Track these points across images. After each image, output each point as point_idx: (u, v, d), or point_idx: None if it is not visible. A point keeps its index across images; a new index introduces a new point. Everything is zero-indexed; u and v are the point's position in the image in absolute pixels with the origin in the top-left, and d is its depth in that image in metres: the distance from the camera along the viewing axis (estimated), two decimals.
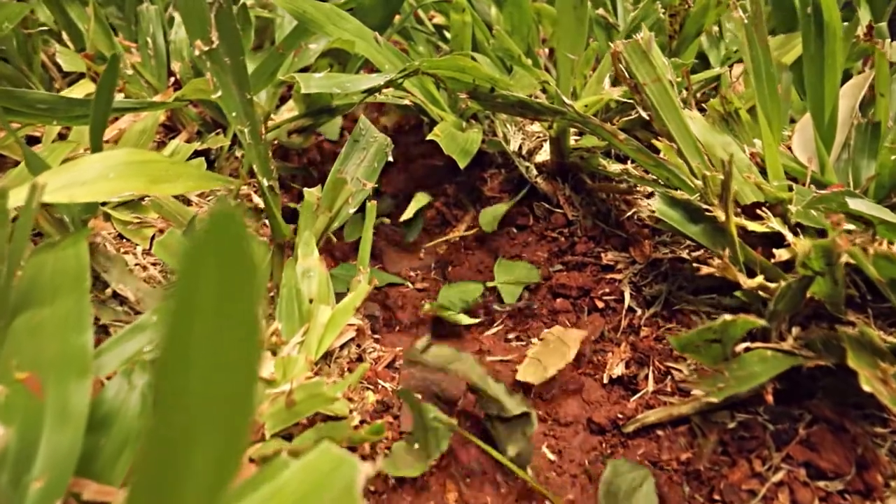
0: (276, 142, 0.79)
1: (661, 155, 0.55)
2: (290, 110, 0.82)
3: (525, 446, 0.45)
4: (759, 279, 0.47)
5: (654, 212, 0.55)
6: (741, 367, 0.44)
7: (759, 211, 0.54)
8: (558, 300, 0.66)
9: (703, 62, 0.84)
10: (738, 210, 0.56)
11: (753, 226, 0.52)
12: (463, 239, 0.75)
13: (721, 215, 0.51)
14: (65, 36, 0.87)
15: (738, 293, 0.54)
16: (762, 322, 0.45)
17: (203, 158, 0.69)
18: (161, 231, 0.58)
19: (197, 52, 0.43)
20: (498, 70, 0.77)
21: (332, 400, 0.41)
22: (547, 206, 0.72)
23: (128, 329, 0.38)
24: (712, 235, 0.53)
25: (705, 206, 0.52)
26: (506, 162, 0.81)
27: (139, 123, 0.71)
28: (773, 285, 0.48)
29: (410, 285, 0.71)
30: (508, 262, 0.69)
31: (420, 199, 0.70)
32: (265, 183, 0.52)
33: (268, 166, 0.52)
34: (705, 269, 0.47)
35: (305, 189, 0.55)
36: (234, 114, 0.47)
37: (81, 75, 0.81)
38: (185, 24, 0.43)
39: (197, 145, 0.72)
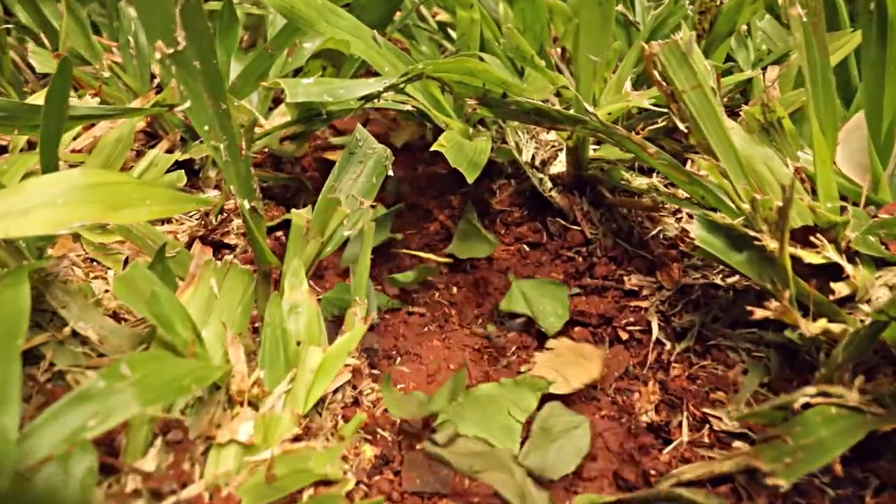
0: (266, 150, 0.71)
1: (700, 171, 0.47)
2: (282, 115, 0.74)
3: None
4: (823, 323, 0.39)
5: (687, 234, 0.47)
6: (805, 432, 0.36)
7: (812, 238, 0.46)
8: (576, 328, 0.58)
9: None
10: (771, 225, 0.48)
11: (807, 255, 0.44)
12: (470, 257, 0.67)
13: (772, 245, 0.43)
14: (43, 35, 0.79)
15: (788, 332, 0.46)
16: (839, 397, 0.37)
17: (183, 171, 0.61)
18: (138, 252, 0.50)
19: (158, 56, 0.35)
20: (509, 72, 0.69)
21: (319, 476, 0.33)
22: (562, 222, 0.64)
23: (68, 399, 0.30)
24: (759, 266, 0.45)
25: (752, 233, 0.44)
26: (516, 171, 0.73)
27: (115, 131, 0.63)
28: (836, 328, 0.40)
29: (413, 308, 0.63)
30: (530, 283, 0.60)
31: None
32: (246, 205, 0.44)
33: (249, 185, 0.44)
34: (760, 313, 0.39)
35: (293, 211, 0.48)
36: (206, 127, 0.39)
37: None
38: (143, 21, 0.35)
39: (178, 155, 0.64)
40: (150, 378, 0.31)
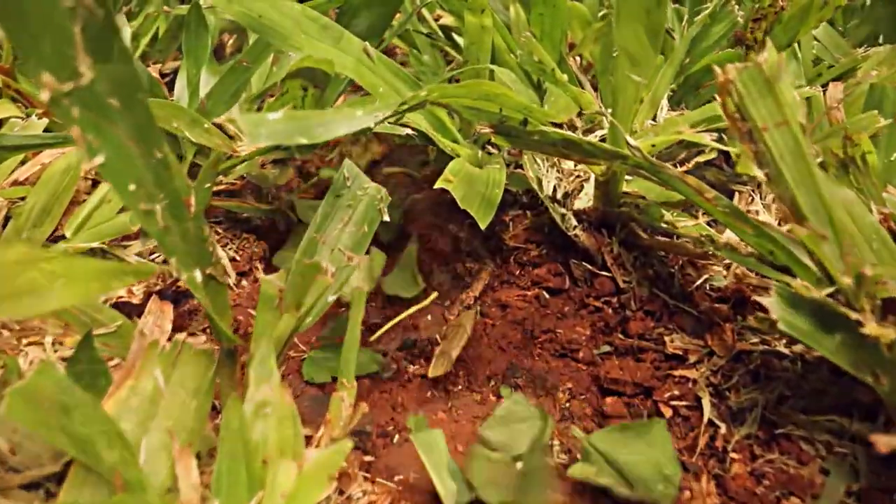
0: (245, 178, 0.59)
1: (789, 231, 0.36)
2: None
3: None
4: None
5: (759, 307, 0.36)
6: None
7: None
8: (608, 399, 0.47)
9: None
10: (876, 303, 0.36)
11: None
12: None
13: (878, 331, 0.32)
14: None
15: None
16: None
17: None
18: (67, 331, 0.39)
19: (46, 96, 0.23)
20: (525, 87, 0.57)
21: None
22: (588, 265, 0.53)
23: None
24: (855, 353, 0.34)
25: (851, 314, 0.33)
26: (533, 202, 0.61)
27: (62, 160, 0.51)
28: None
29: (411, 367, 0.52)
30: (608, 437, 0.40)
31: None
32: (197, 277, 0.33)
33: (202, 249, 0.33)
34: (884, 443, 0.28)
35: (262, 277, 0.36)
36: (131, 187, 0.27)
37: None
38: (20, 45, 0.23)
39: None
40: None
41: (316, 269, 0.35)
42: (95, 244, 0.48)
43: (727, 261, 0.49)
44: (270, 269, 0.61)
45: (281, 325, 0.36)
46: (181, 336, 0.36)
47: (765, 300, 0.34)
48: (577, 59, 0.70)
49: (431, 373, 0.48)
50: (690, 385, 0.45)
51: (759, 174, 0.34)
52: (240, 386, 0.39)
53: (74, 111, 0.24)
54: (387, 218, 0.43)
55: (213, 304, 0.34)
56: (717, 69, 0.32)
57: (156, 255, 0.56)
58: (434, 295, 0.54)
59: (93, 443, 0.29)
